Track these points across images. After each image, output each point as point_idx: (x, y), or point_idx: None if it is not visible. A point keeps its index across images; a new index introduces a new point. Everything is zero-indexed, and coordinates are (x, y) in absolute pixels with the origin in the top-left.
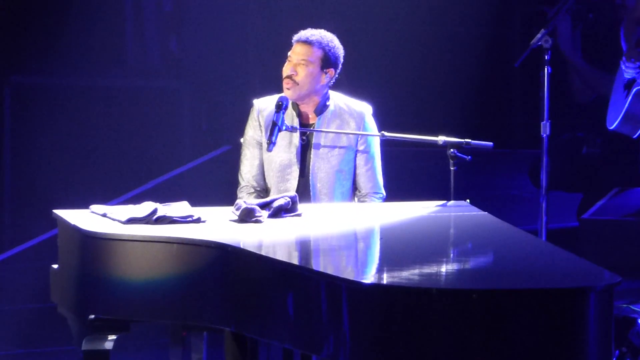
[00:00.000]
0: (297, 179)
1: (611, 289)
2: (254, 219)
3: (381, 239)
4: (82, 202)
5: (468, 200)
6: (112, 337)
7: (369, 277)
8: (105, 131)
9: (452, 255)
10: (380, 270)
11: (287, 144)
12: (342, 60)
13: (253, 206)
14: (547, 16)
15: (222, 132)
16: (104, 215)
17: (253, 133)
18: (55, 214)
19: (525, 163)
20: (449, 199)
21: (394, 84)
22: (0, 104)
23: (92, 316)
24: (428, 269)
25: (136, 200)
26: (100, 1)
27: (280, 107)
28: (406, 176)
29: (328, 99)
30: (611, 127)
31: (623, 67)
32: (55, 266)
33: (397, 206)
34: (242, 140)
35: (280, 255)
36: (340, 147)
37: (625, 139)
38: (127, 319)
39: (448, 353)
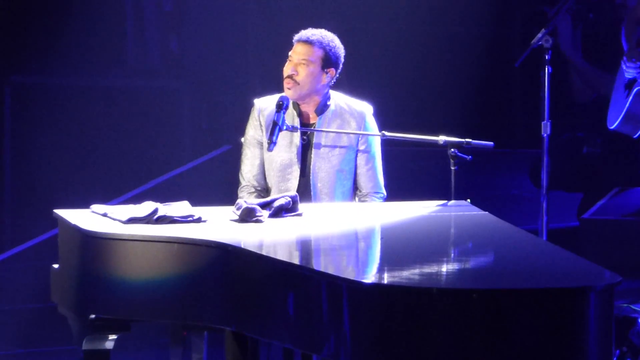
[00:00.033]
0: (298, 178)
1: (611, 289)
2: (254, 219)
3: (382, 238)
4: (82, 202)
5: (468, 200)
6: (113, 336)
7: (370, 277)
8: (106, 131)
9: (452, 255)
10: (380, 270)
11: (288, 143)
12: (343, 60)
13: (254, 206)
14: (548, 16)
15: (223, 132)
16: (105, 215)
17: (254, 133)
18: (56, 213)
19: (526, 163)
20: (449, 199)
21: (395, 83)
22: (1, 103)
23: (93, 316)
24: (428, 269)
25: (137, 200)
26: (101, 1)
27: (281, 106)
28: (407, 176)
29: (329, 98)
30: (612, 127)
31: (624, 67)
32: (55, 266)
33: (398, 206)
34: (242, 139)
35: (281, 255)
36: (341, 147)
37: (626, 138)
38: (127, 319)
39: (448, 353)
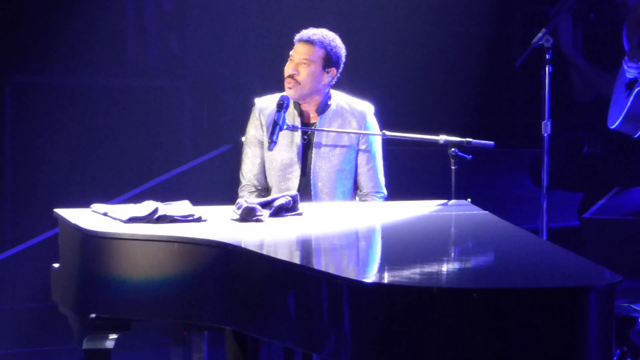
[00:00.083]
0: (299, 178)
1: (612, 288)
2: (255, 218)
3: (382, 238)
4: (83, 201)
5: (469, 200)
6: (113, 336)
7: (370, 276)
8: (106, 130)
9: (453, 254)
10: (381, 270)
11: (289, 143)
12: (344, 59)
13: (254, 205)
14: (548, 15)
15: (223, 131)
16: (105, 214)
17: (254, 132)
18: (56, 213)
19: (526, 162)
20: (450, 198)
21: (396, 83)
22: (1, 103)
23: (93, 315)
24: (429, 268)
25: (137, 199)
26: (101, 1)
27: (282, 106)
28: (407, 175)
29: (330, 98)
30: (612, 127)
31: (625, 67)
32: (56, 265)
33: (398, 205)
34: (243, 139)
35: (282, 255)
36: (342, 147)
37: (626, 138)
38: (128, 318)
39: (449, 352)
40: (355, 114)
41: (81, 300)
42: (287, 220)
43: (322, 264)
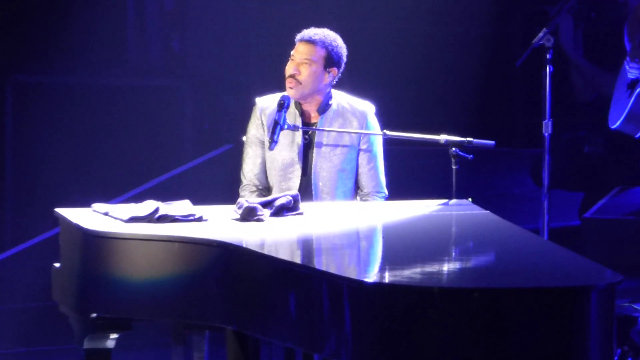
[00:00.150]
0: (300, 177)
1: (613, 288)
2: (255, 218)
3: (383, 237)
4: (83, 201)
5: (470, 199)
6: (114, 335)
7: (371, 276)
8: (107, 130)
9: (453, 254)
10: (382, 269)
11: (290, 142)
12: (345, 59)
13: (255, 205)
14: (549, 15)
15: (224, 131)
16: (106, 214)
17: (255, 131)
18: (57, 212)
19: (527, 162)
20: (450, 198)
21: (397, 83)
22: (2, 102)
23: (94, 315)
24: (430, 268)
25: (138, 199)
26: (102, 0)
27: (282, 106)
28: (408, 175)
29: (331, 98)
30: (613, 127)
31: (627, 67)
32: (56, 265)
33: (399, 205)
34: (244, 138)
35: (282, 254)
36: (343, 146)
37: (627, 137)
38: (128, 318)
39: (449, 351)
40: (356, 114)
41: (82, 300)
42: (288, 220)
43: (323, 263)
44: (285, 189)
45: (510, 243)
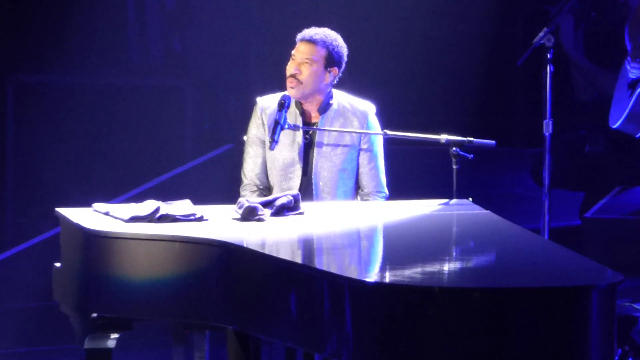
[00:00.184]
0: (300, 177)
1: (614, 288)
2: (256, 218)
3: (384, 237)
4: (84, 201)
5: (470, 199)
6: (115, 335)
7: (372, 276)
8: (108, 129)
9: (454, 253)
10: (382, 269)
11: (290, 142)
12: (345, 59)
13: (255, 204)
14: (550, 15)
15: (225, 131)
16: (107, 213)
17: (256, 131)
18: (58, 212)
19: (528, 161)
20: (451, 198)
21: (397, 82)
22: (3, 102)
23: (95, 314)
24: (430, 268)
25: (139, 198)
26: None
27: (283, 105)
28: (409, 175)
29: (331, 97)
30: (614, 126)
31: (628, 67)
32: (57, 264)
33: (400, 205)
34: (245, 138)
35: (283, 254)
36: (344, 146)
37: (627, 137)
38: (129, 318)
39: (450, 351)
40: (357, 114)
41: (83, 300)
42: (289, 219)
43: (324, 263)
44: (286, 188)
45: (511, 243)
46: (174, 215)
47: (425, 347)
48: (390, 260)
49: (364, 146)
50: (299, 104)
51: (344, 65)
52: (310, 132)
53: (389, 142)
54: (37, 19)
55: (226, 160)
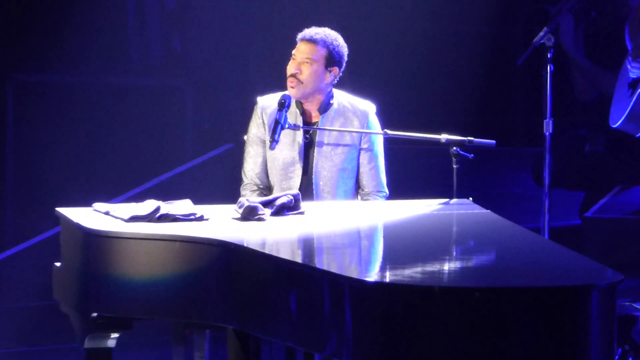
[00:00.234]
0: (300, 177)
1: (614, 287)
2: (256, 217)
3: (384, 237)
4: (84, 200)
5: (471, 198)
6: (115, 335)
7: (372, 276)
8: (108, 129)
9: (454, 253)
10: (382, 269)
11: (291, 142)
12: (346, 58)
13: (256, 204)
14: (550, 14)
15: (225, 130)
16: (107, 213)
17: (256, 131)
18: (58, 212)
19: (528, 161)
20: (451, 197)
21: (398, 82)
22: (3, 101)
23: (95, 314)
24: (430, 267)
25: (139, 198)
26: None
27: (283, 105)
28: (409, 174)
29: (332, 97)
30: (614, 126)
31: (629, 66)
32: (57, 264)
33: (400, 204)
34: (245, 137)
35: (283, 253)
36: (344, 146)
37: (628, 137)
38: (129, 317)
39: (450, 351)
40: (357, 113)
41: (83, 299)
42: (289, 219)
43: (324, 263)
44: (286, 188)
45: (511, 242)
46: (174, 215)
47: (426, 347)
48: (391, 259)
49: (365, 146)
50: (299, 104)
51: (344, 64)
52: (310, 132)
53: (389, 142)
54: (37, 19)
55: (226, 159)
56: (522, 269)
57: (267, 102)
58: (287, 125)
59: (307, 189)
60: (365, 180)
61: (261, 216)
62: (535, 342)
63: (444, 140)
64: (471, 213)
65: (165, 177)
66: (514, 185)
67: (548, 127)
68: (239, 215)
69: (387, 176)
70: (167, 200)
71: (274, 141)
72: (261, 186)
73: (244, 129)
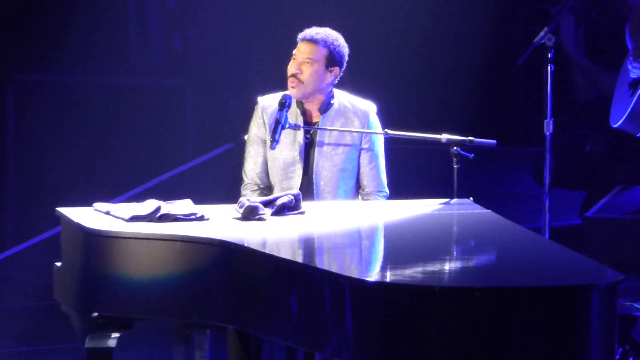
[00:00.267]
0: (301, 176)
1: (614, 287)
2: (257, 217)
3: (384, 236)
4: (85, 200)
5: (471, 198)
6: (116, 334)
7: (373, 275)
8: (109, 129)
9: (455, 253)
10: (383, 268)
11: (291, 141)
12: (346, 58)
13: (256, 204)
14: (550, 14)
15: (225, 130)
16: (107, 213)
17: (257, 130)
18: (59, 211)
19: (528, 161)
20: (452, 197)
21: (398, 82)
22: (3, 101)
23: (96, 314)
24: (431, 267)
25: (139, 198)
26: None
27: (284, 105)
28: (410, 174)
29: (332, 97)
30: (615, 125)
31: (630, 67)
32: (58, 264)
33: (401, 204)
34: (246, 137)
35: (284, 253)
36: (345, 146)
37: (628, 136)
38: (130, 317)
39: (451, 351)
40: (358, 113)
41: (83, 299)
42: (290, 219)
43: (325, 262)
44: (287, 188)
45: (512, 242)
46: (175, 215)
47: (426, 347)
48: (391, 259)
49: (365, 146)
50: (300, 104)
51: (345, 64)
52: (311, 132)
53: (389, 142)
54: (38, 19)
55: (227, 159)
56: (523, 269)
57: (267, 102)
58: (287, 125)
59: (308, 188)
60: (365, 180)
61: (262, 216)
62: (536, 342)
63: (444, 140)
64: (472, 213)
65: (166, 177)
66: (515, 185)
67: (548, 127)
68: (239, 215)
69: (387, 176)
70: (168, 200)
71: (274, 141)
72: (262, 186)
73: (245, 128)
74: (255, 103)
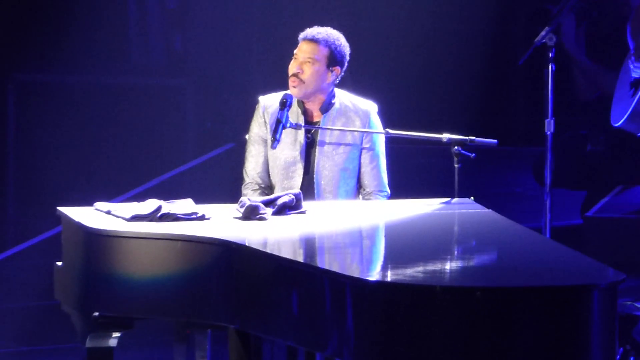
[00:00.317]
0: (302, 176)
1: (615, 287)
2: (258, 217)
3: (385, 236)
4: (85, 200)
5: (472, 198)
6: (116, 334)
7: (373, 275)
8: (109, 128)
9: (456, 252)
10: (384, 268)
11: (292, 141)
12: (348, 58)
13: (257, 203)
14: (551, 14)
15: (226, 130)
16: (108, 212)
17: (258, 130)
18: (60, 211)
19: (529, 160)
20: (453, 197)
21: (399, 81)
22: (4, 101)
23: (96, 313)
24: (432, 267)
25: (140, 197)
26: None
27: (285, 104)
28: (410, 174)
29: (334, 96)
30: (616, 125)
31: (631, 66)
32: (59, 263)
33: (402, 204)
34: (247, 137)
35: (285, 253)
36: (345, 145)
37: (629, 136)
38: (131, 317)
39: (451, 350)
40: (359, 113)
41: (84, 299)
42: (291, 218)
43: (326, 262)
44: (288, 187)
45: (512, 242)
46: (176, 214)
47: (427, 346)
48: (392, 259)
49: (366, 145)
50: (301, 103)
51: (346, 64)
52: (312, 131)
53: (390, 141)
54: (38, 19)
55: (227, 159)
56: (524, 269)
57: (268, 102)
58: (288, 125)
59: (309, 188)
60: (366, 179)
61: (262, 215)
62: (537, 341)
63: (445, 140)
64: (472, 212)
65: (167, 176)
66: (515, 185)
67: (549, 126)
68: (240, 215)
69: (388, 176)
70: (169, 199)
71: (275, 140)
72: (262, 185)
73: (246, 128)
74: (256, 103)
